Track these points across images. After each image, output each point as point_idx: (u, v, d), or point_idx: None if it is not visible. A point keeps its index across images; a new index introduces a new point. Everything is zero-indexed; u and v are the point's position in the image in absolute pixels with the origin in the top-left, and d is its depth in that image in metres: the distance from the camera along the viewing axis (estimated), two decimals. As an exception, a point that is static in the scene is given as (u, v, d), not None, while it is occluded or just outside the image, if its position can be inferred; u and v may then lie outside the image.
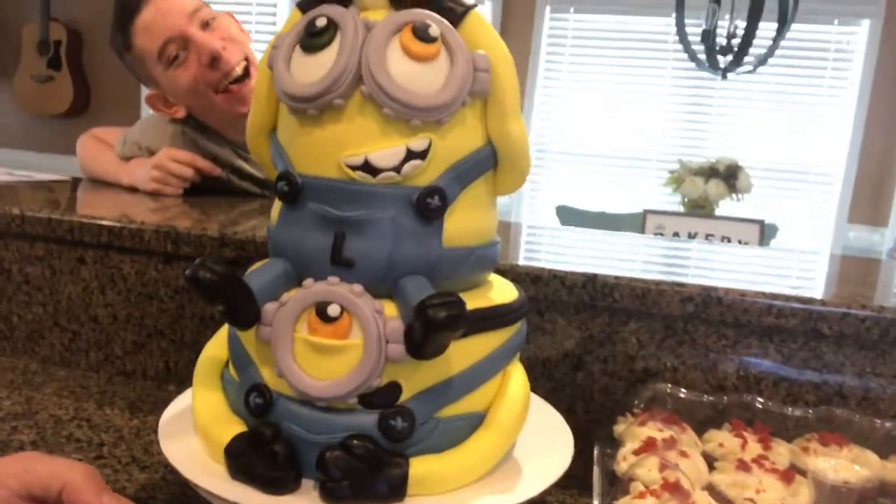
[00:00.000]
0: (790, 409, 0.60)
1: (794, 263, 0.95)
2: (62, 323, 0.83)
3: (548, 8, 3.41)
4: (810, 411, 0.60)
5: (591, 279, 0.67)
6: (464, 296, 0.48)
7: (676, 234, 2.56)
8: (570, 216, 3.24)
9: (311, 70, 0.45)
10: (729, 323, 0.65)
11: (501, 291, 0.52)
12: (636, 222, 2.85)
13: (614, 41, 3.37)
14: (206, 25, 1.12)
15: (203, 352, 0.55)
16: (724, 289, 0.64)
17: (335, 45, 0.45)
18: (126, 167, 1.17)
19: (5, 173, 1.19)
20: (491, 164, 0.49)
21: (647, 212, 2.70)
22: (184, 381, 0.79)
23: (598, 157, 3.45)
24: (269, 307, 0.45)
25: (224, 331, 0.54)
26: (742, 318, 0.64)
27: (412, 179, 0.45)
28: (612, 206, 3.21)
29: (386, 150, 0.44)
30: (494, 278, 0.55)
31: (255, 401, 0.45)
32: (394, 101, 0.43)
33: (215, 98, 1.12)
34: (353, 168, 0.45)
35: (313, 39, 0.45)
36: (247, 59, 1.14)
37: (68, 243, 0.80)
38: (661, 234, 2.58)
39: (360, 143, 0.45)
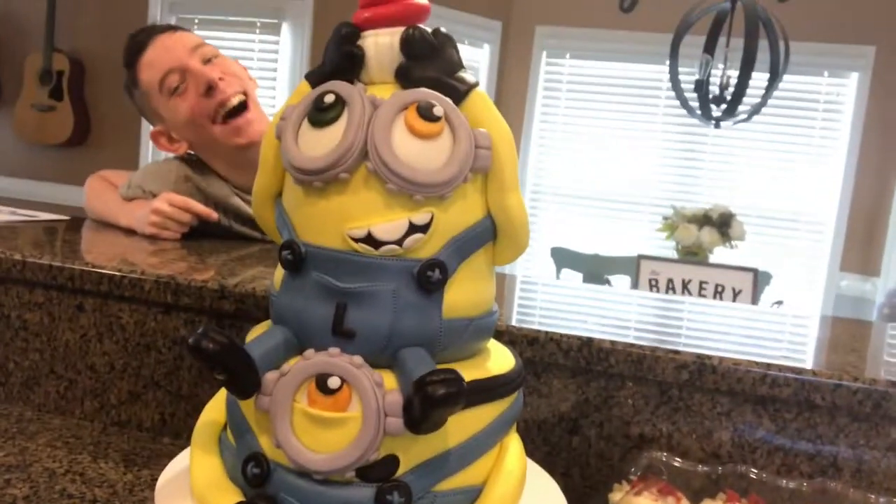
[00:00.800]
0: (785, 480, 0.60)
1: (787, 326, 0.96)
2: (58, 370, 0.82)
3: (544, 53, 3.48)
4: (805, 484, 0.60)
5: (587, 343, 0.67)
6: (462, 366, 0.49)
7: (670, 281, 2.57)
8: (564, 258, 3.26)
9: (319, 144, 0.46)
10: (723, 391, 0.66)
11: (499, 361, 0.53)
12: (630, 266, 2.87)
13: (609, 87, 3.43)
14: (206, 61, 1.17)
15: (202, 414, 0.55)
16: (718, 357, 0.65)
17: (342, 121, 0.46)
18: (126, 208, 1.18)
19: (9, 213, 1.19)
20: (490, 236, 0.50)
21: (641, 257, 2.72)
22: (179, 434, 0.79)
23: (592, 200, 3.49)
24: (269, 377, 0.45)
25: (223, 394, 0.54)
26: (736, 386, 0.65)
27: (414, 252, 0.46)
28: (606, 249, 3.24)
29: (389, 223, 0.45)
30: (492, 345, 0.56)
31: (252, 471, 0.46)
32: (397, 177, 0.44)
33: (213, 129, 1.16)
34: (357, 240, 0.46)
35: (321, 114, 0.46)
36: (245, 93, 1.17)
37: (68, 290, 0.81)
38: (656, 280, 2.60)
39: (364, 216, 0.46)
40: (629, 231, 3.44)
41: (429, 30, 0.49)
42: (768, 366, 0.64)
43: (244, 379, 0.45)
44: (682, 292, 2.66)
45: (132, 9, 3.38)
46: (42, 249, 0.86)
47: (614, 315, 0.88)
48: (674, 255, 2.86)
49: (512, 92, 3.51)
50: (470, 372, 0.48)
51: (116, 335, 0.80)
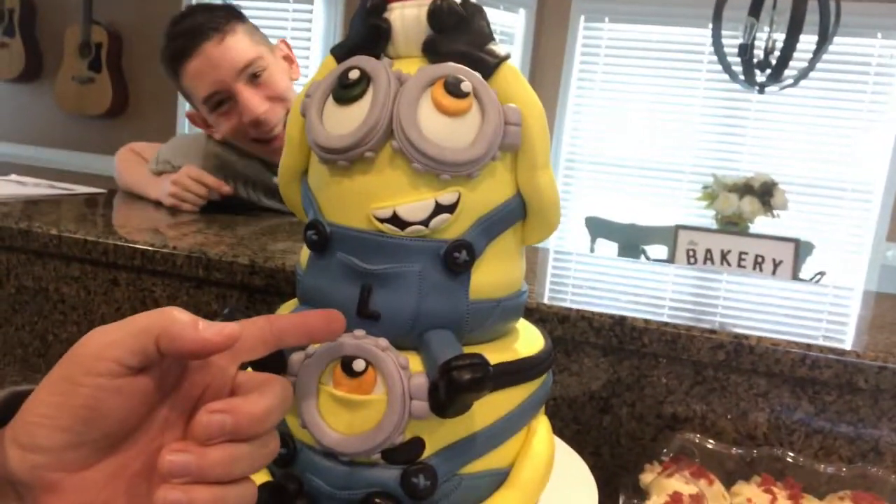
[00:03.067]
0: (823, 465, 0.59)
1: (828, 303, 0.92)
2: (94, 342, 0.84)
3: (582, 17, 3.38)
4: (844, 469, 0.58)
5: (620, 322, 0.66)
6: (489, 348, 0.48)
7: (709, 252, 2.52)
8: (599, 227, 3.21)
9: (343, 122, 0.45)
10: (761, 372, 0.64)
11: (528, 341, 0.51)
12: (667, 236, 2.81)
13: (649, 52, 3.33)
14: (254, 78, 1.12)
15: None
16: (756, 337, 0.63)
17: (367, 98, 0.45)
18: (154, 181, 1.19)
19: (47, 186, 1.21)
20: (520, 215, 0.49)
21: (678, 227, 2.66)
22: (210, 405, 0.80)
23: (629, 168, 3.42)
24: (294, 358, 0.45)
25: (250, 372, 0.54)
26: (774, 367, 0.63)
27: (440, 233, 0.45)
28: (643, 219, 3.18)
29: (415, 203, 0.44)
30: (521, 325, 0.55)
31: (279, 450, 0.46)
32: (423, 156, 0.43)
33: (252, 145, 1.16)
34: (382, 220, 0.45)
35: (346, 91, 0.45)
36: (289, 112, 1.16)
37: (103, 265, 0.82)
38: (693, 251, 2.55)
39: (390, 195, 0.45)
40: (667, 200, 3.36)
41: (458, 0, 0.47)
42: (808, 346, 0.62)
43: (270, 359, 0.44)
44: (721, 263, 2.60)
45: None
46: (78, 224, 0.87)
47: (649, 291, 0.86)
48: (713, 225, 2.79)
49: (548, 57, 3.43)
50: (497, 354, 0.47)
51: (150, 307, 0.81)
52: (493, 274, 0.48)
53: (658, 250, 3.00)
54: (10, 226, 0.84)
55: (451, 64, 0.45)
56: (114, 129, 3.58)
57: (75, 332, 0.84)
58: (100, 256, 0.81)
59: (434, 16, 0.46)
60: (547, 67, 3.44)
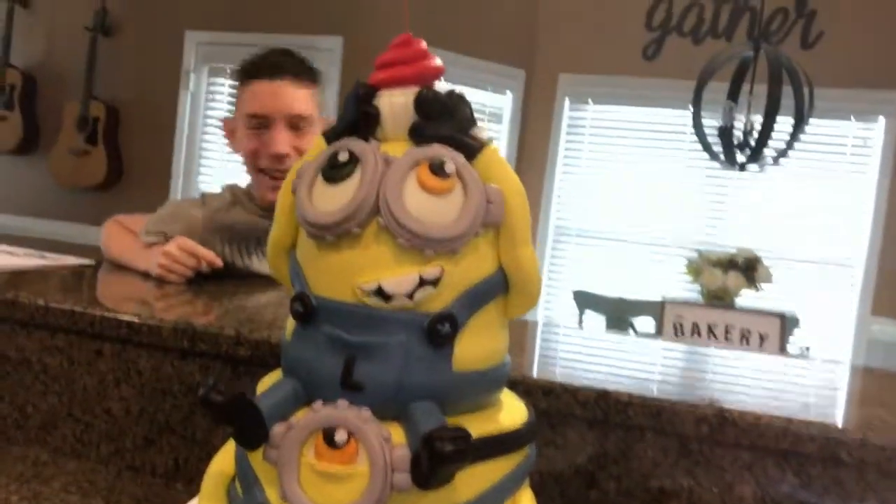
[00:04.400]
0: (808, 542, 0.58)
1: (813, 377, 0.93)
2: (76, 414, 0.83)
3: (567, 99, 3.51)
4: (829, 546, 0.58)
5: (604, 395, 0.66)
6: (473, 419, 0.48)
7: (696, 325, 2.53)
8: (587, 301, 3.23)
9: (332, 199, 0.47)
10: (745, 445, 0.64)
11: (511, 413, 0.52)
12: (655, 309, 2.83)
13: (632, 131, 3.45)
14: (294, 128, 1.21)
15: (211, 464, 0.55)
16: (739, 411, 0.64)
17: (356, 178, 0.47)
18: (142, 253, 1.20)
19: (38, 256, 1.22)
20: (502, 288, 0.50)
21: (665, 301, 2.68)
22: (192, 480, 0.79)
23: (616, 243, 3.48)
24: (277, 430, 0.45)
25: (232, 444, 0.54)
26: (758, 441, 0.63)
27: (424, 305, 0.46)
28: (630, 292, 3.21)
29: (399, 277, 0.46)
30: (505, 396, 0.55)
31: (260, 525, 0.45)
32: (408, 232, 0.45)
33: (256, 174, 1.22)
34: (367, 293, 0.46)
35: (335, 171, 0.47)
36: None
37: (88, 336, 0.82)
38: (681, 325, 2.56)
39: (375, 270, 0.46)
40: (654, 274, 3.40)
41: (444, 90, 0.50)
42: (790, 420, 0.62)
43: (252, 431, 0.45)
44: (708, 337, 2.61)
45: (167, 59, 3.51)
46: (65, 294, 0.88)
47: (635, 364, 0.87)
48: (700, 298, 2.82)
49: (535, 137, 3.54)
50: (480, 425, 0.47)
51: (133, 380, 0.81)
52: (476, 346, 0.49)
53: (646, 323, 3.02)
54: (-3, 296, 0.85)
55: (437, 146, 0.48)
56: (108, 201, 3.61)
57: (56, 403, 0.84)
58: (86, 327, 0.81)
59: (421, 104, 0.49)
60: (534, 145, 3.54)
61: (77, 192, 3.67)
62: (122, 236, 1.27)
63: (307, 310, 0.48)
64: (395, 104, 0.50)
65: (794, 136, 2.49)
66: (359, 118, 0.50)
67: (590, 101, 3.52)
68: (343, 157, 0.47)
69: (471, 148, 0.49)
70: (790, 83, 2.43)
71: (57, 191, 3.69)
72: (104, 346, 0.82)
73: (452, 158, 0.47)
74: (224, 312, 0.87)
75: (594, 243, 3.52)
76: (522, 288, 0.50)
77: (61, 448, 0.84)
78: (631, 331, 3.01)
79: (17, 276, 1.00)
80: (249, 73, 1.25)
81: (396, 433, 0.45)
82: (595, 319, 3.18)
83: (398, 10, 3.13)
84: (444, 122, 0.49)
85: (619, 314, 3.16)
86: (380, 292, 0.46)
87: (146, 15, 3.56)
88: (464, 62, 3.18)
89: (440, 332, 0.46)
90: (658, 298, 2.79)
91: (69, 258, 1.24)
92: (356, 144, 0.48)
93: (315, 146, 0.52)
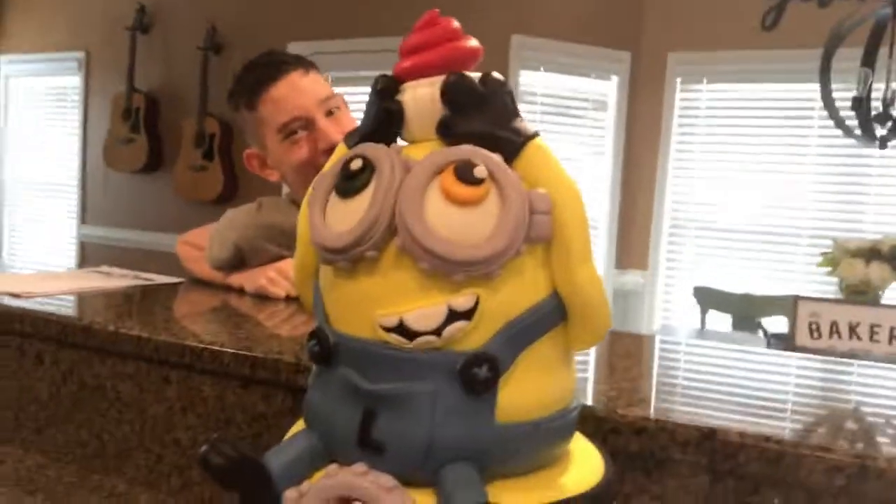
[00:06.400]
0: None
1: None
2: (147, 444, 0.81)
3: (678, 80, 3.28)
4: None
5: (709, 436, 0.55)
6: (526, 483, 0.39)
7: (834, 325, 2.26)
8: (710, 298, 2.99)
9: (345, 217, 0.39)
10: (893, 501, 0.50)
11: (579, 471, 0.42)
12: (786, 307, 2.57)
13: (753, 111, 3.16)
14: (329, 114, 1.14)
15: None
16: (886, 458, 0.50)
17: (370, 190, 0.39)
18: (232, 276, 1.18)
19: (132, 277, 1.24)
20: (559, 317, 0.40)
21: (798, 298, 2.42)
22: (256, 515, 0.74)
23: (740, 234, 3.19)
24: (288, 496, 0.38)
25: None
26: (914, 498, 0.49)
27: (456, 343, 0.38)
28: (758, 288, 2.94)
29: (424, 309, 0.37)
30: (576, 445, 0.45)
31: None
32: (430, 255, 0.36)
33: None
34: (387, 329, 0.38)
35: (348, 183, 0.40)
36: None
37: (155, 362, 0.80)
38: (817, 325, 2.30)
39: (395, 300, 0.38)
40: (784, 268, 3.10)
41: (476, 75, 0.41)
42: (960, 474, 0.48)
43: (259, 497, 0.38)
44: (850, 337, 2.32)
45: (271, 72, 3.60)
46: (137, 319, 0.87)
47: (753, 389, 0.73)
48: (838, 294, 2.52)
49: (644, 123, 3.33)
50: (536, 493, 0.38)
51: (199, 409, 0.78)
52: (527, 391, 0.39)
53: (777, 323, 2.75)
54: (73, 322, 0.85)
55: (464, 147, 0.39)
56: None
57: (129, 432, 0.82)
58: (152, 353, 0.79)
59: (447, 94, 0.40)
60: (643, 133, 3.33)
61: (197, 206, 3.86)
62: (200, 260, 1.26)
63: (324, 349, 0.40)
64: (420, 97, 0.41)
65: (948, 103, 2.16)
66: (380, 117, 0.42)
67: (704, 80, 3.26)
68: (356, 164, 0.40)
69: (510, 144, 0.40)
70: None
71: (180, 205, 3.89)
72: (170, 372, 0.79)
73: (484, 159, 0.38)
74: (289, 335, 0.82)
75: (716, 236, 3.26)
76: (583, 317, 0.40)
77: (136, 478, 0.82)
78: (760, 333, 2.76)
79: (97, 300, 1.01)
80: (257, 87, 1.14)
81: (425, 502, 0.36)
82: (720, 319, 2.95)
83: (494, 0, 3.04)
84: (477, 115, 0.40)
85: (746, 313, 2.91)
86: (401, 328, 0.37)
87: (251, 30, 3.68)
88: (562, 49, 3.03)
89: (477, 376, 0.37)
90: (790, 294, 2.53)
91: (161, 278, 1.26)
92: (371, 149, 0.40)
93: (336, 153, 0.45)
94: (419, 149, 0.41)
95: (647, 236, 3.38)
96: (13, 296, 0.97)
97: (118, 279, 1.21)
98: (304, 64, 1.16)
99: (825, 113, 2.40)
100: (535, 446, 0.40)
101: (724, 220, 3.22)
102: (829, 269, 2.41)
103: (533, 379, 0.40)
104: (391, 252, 0.38)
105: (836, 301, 2.33)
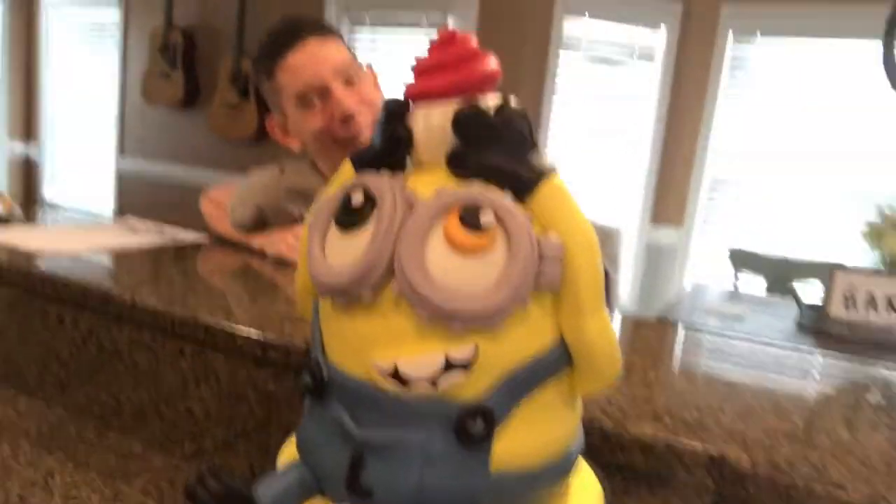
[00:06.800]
0: None
1: None
2: (162, 409, 0.83)
3: (730, 31, 3.12)
4: None
5: (718, 462, 0.53)
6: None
7: (871, 298, 2.19)
8: (745, 261, 2.93)
9: (344, 253, 0.37)
10: (908, 550, 0.48)
11: (576, 512, 0.41)
12: (822, 274, 2.49)
13: (808, 67, 3.00)
14: (348, 82, 1.11)
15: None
16: (904, 509, 0.48)
17: (370, 226, 0.37)
18: (254, 237, 1.19)
19: (156, 232, 1.25)
20: (563, 364, 0.39)
21: (834, 268, 2.34)
22: (265, 491, 0.75)
23: (781, 195, 3.09)
24: (276, 532, 0.38)
25: None
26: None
27: (453, 393, 0.36)
28: (795, 252, 2.87)
29: (420, 356, 0.36)
30: (576, 476, 0.44)
31: None
32: (428, 304, 0.35)
33: (333, 148, 1.12)
34: (383, 374, 0.36)
35: (348, 216, 0.38)
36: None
37: (170, 335, 0.80)
38: (853, 297, 2.23)
39: (392, 344, 0.36)
40: (825, 232, 3.01)
41: (493, 103, 0.38)
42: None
43: (246, 532, 0.38)
44: (887, 311, 2.26)
45: (309, 12, 3.53)
46: (155, 287, 0.87)
47: (773, 408, 0.71)
48: (878, 265, 2.44)
49: (691, 75, 3.19)
50: (526, 542, 0.37)
51: (212, 383, 0.78)
52: (525, 440, 0.38)
53: (812, 288, 2.69)
54: (93, 289, 0.85)
55: (473, 189, 0.36)
56: (257, 152, 3.77)
57: (146, 400, 0.84)
58: (167, 326, 0.79)
59: (459, 124, 0.37)
60: (691, 87, 3.20)
61: (231, 144, 3.86)
62: (224, 217, 1.27)
63: (317, 383, 0.39)
64: (432, 124, 0.39)
65: None
66: (387, 142, 0.40)
67: (758, 33, 3.10)
68: (357, 199, 0.37)
69: (524, 181, 0.37)
70: None
71: (214, 141, 3.91)
72: (185, 346, 0.80)
73: (492, 203, 0.35)
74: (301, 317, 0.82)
75: (755, 197, 3.16)
76: (590, 367, 0.38)
77: (151, 441, 0.84)
78: (793, 299, 2.70)
79: (122, 261, 1.02)
80: (274, 54, 1.13)
81: (415, 550, 0.36)
82: (753, 282, 2.89)
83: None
84: (490, 147, 0.38)
85: (781, 277, 2.84)
86: (397, 374, 0.36)
87: (289, -34, 3.59)
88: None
89: (472, 430, 0.36)
90: (827, 262, 2.46)
91: (185, 233, 1.26)
92: (374, 181, 0.38)
93: (341, 173, 0.43)
94: (426, 178, 0.38)
95: (685, 192, 3.30)
96: (38, 254, 0.98)
97: (142, 235, 1.21)
98: (323, 31, 1.13)
99: (885, 73, 2.27)
100: (531, 493, 0.39)
101: (767, 180, 3.11)
102: (872, 243, 2.32)
103: (532, 427, 0.38)
104: (389, 294, 0.36)
105: (876, 272, 2.25)
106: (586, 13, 2.96)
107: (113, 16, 4.04)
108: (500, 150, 0.37)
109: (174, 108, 3.99)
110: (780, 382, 0.79)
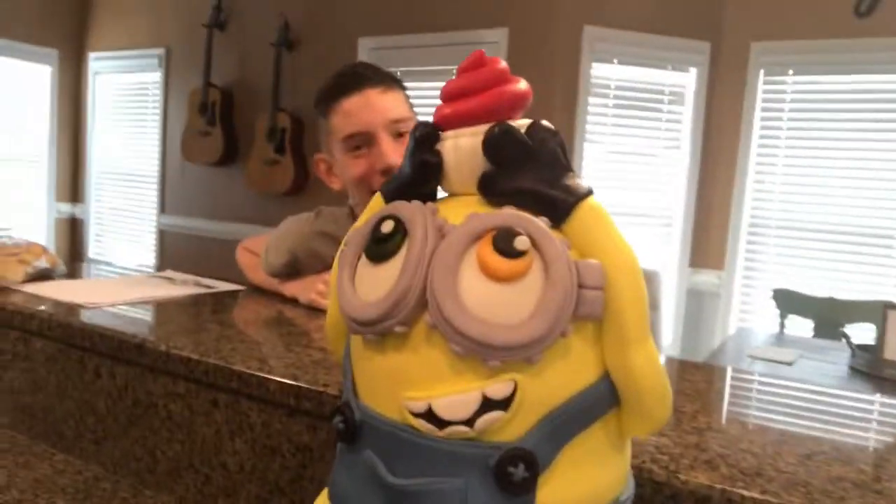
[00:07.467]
0: None
1: None
2: (196, 465, 0.81)
3: (761, 72, 3.10)
4: None
5: (781, 511, 0.49)
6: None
7: (931, 337, 2.08)
8: (790, 302, 2.83)
9: (374, 285, 0.36)
10: None
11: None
12: (874, 314, 2.39)
13: (842, 103, 2.95)
14: (398, 135, 1.12)
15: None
16: None
17: (401, 256, 0.35)
18: (286, 285, 1.19)
19: (193, 283, 1.26)
20: (610, 403, 0.36)
21: (888, 305, 2.24)
22: (301, 548, 0.72)
23: (825, 234, 3.01)
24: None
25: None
26: None
27: (491, 435, 0.34)
28: (842, 292, 2.77)
29: (455, 396, 0.33)
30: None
31: None
32: (463, 337, 0.32)
33: (370, 197, 1.12)
34: (416, 415, 0.34)
35: (378, 247, 0.36)
36: None
37: (204, 384, 0.79)
38: (910, 337, 2.12)
39: (425, 382, 0.34)
40: (873, 270, 2.90)
41: (524, 123, 0.37)
42: None
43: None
44: (949, 352, 2.14)
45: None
46: (190, 337, 0.86)
47: (840, 444, 0.66)
48: (935, 303, 2.33)
49: (724, 117, 3.17)
50: None
51: (246, 434, 0.77)
52: (571, 487, 0.35)
53: (863, 331, 2.58)
54: (128, 339, 0.85)
55: (507, 211, 0.34)
56: (294, 205, 3.83)
57: (179, 451, 0.82)
58: (201, 375, 0.78)
59: (490, 147, 0.36)
60: (723, 127, 3.17)
61: (268, 198, 3.94)
62: (258, 266, 1.28)
63: (349, 427, 0.37)
64: (462, 148, 0.37)
65: None
66: (417, 170, 0.38)
67: (790, 71, 3.07)
68: (387, 227, 0.36)
69: (559, 205, 0.35)
70: None
71: (251, 197, 3.99)
72: (219, 395, 0.78)
73: (527, 227, 0.34)
74: (336, 364, 0.80)
75: (798, 235, 3.07)
76: (639, 404, 0.35)
77: (185, 498, 0.82)
78: (843, 341, 2.59)
79: (159, 311, 1.02)
80: (333, 95, 1.15)
81: None
82: (800, 324, 2.79)
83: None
84: (522, 171, 0.36)
85: (829, 319, 2.74)
86: (430, 415, 0.34)
87: (321, 26, 3.71)
88: (636, 40, 2.91)
89: (513, 477, 0.33)
90: (878, 300, 2.36)
91: (223, 284, 1.26)
92: (405, 210, 0.36)
93: (370, 206, 0.41)
94: (457, 206, 0.37)
95: (725, 235, 3.23)
96: (77, 307, 0.99)
97: (180, 286, 1.22)
98: (386, 81, 1.14)
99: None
100: (579, 546, 0.36)
101: (808, 219, 3.03)
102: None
103: (579, 473, 0.35)
104: (422, 327, 0.34)
105: (933, 313, 2.15)
106: (615, 60, 2.98)
107: (154, 77, 4.21)
108: (533, 172, 0.36)
109: (213, 164, 4.10)
110: (838, 428, 0.74)
